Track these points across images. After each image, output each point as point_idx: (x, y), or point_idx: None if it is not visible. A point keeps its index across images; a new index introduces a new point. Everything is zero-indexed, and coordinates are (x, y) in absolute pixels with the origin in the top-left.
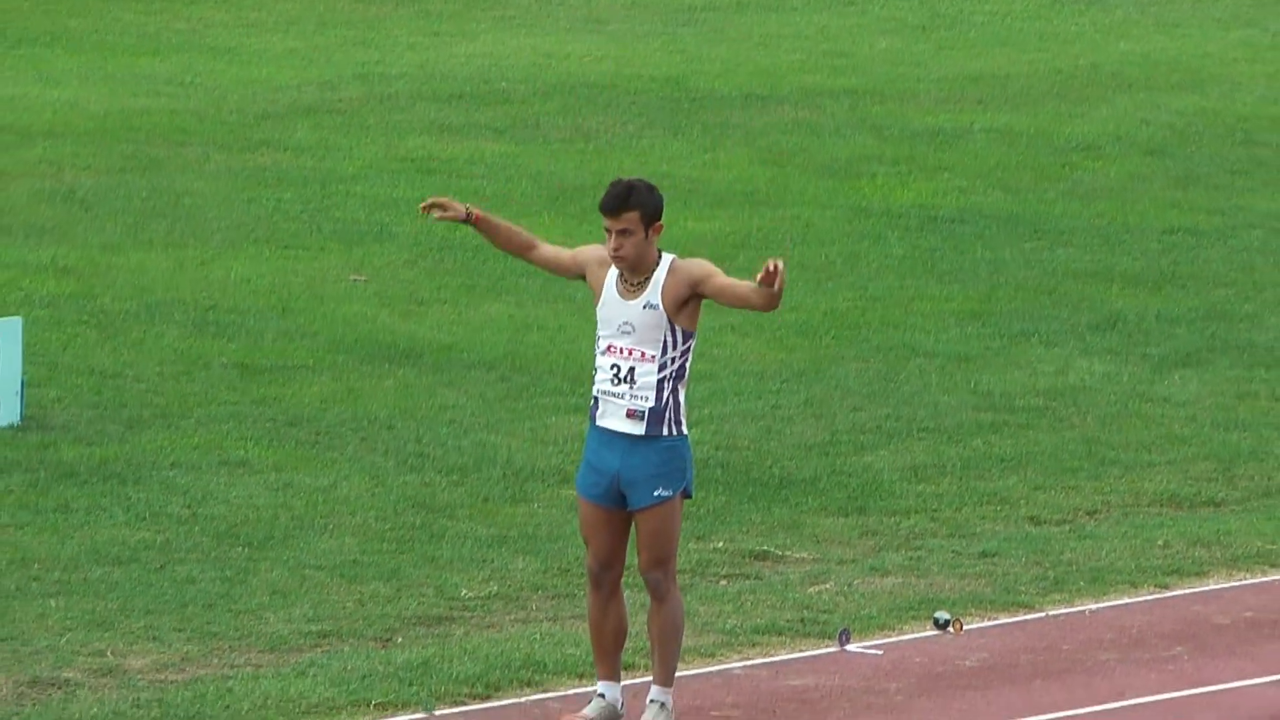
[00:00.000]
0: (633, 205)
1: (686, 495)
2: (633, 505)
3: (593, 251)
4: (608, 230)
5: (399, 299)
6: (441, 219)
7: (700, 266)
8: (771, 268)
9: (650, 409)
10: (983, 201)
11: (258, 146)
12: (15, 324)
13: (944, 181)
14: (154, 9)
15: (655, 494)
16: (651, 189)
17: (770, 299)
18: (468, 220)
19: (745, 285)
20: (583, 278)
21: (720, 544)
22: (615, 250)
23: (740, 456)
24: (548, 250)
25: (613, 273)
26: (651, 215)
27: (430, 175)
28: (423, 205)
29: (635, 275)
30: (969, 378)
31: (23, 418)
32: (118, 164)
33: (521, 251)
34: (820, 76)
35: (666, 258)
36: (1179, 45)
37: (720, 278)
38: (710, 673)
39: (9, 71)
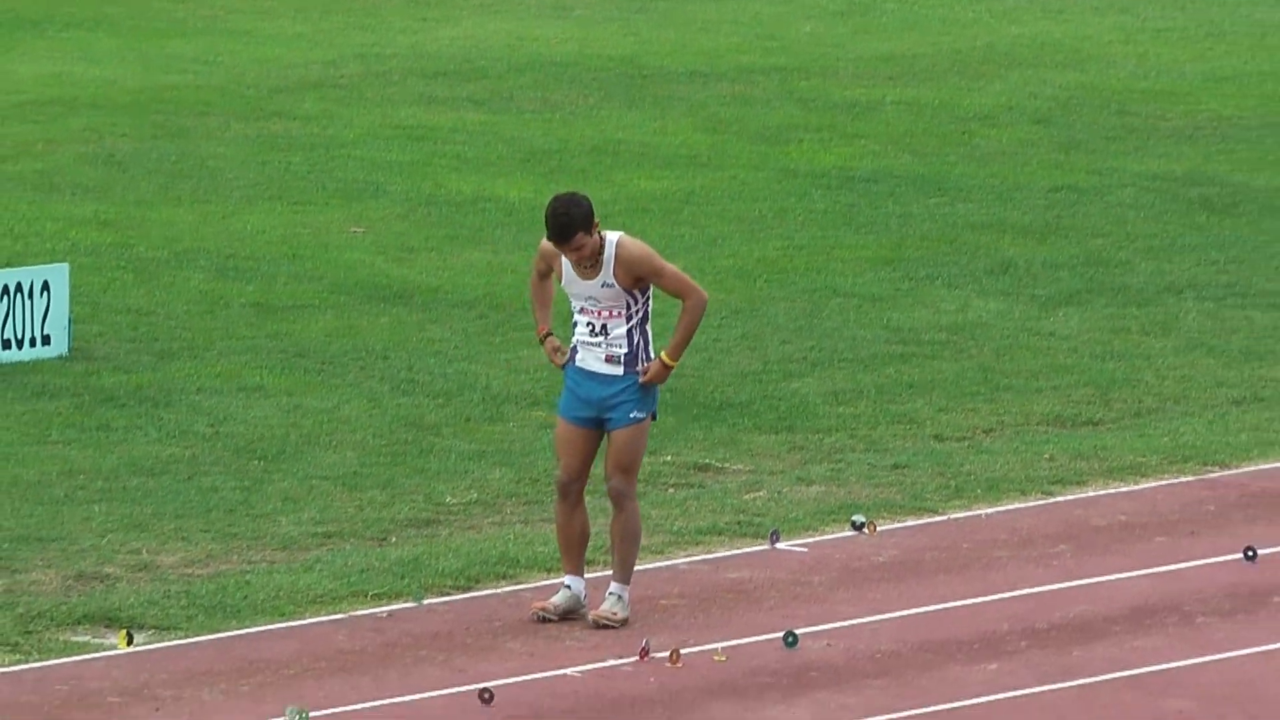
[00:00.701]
0: (576, 228)
1: (653, 418)
2: (611, 426)
3: (546, 246)
4: (563, 249)
5: (392, 247)
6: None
7: (647, 264)
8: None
9: (624, 354)
10: (893, 164)
11: (270, 116)
12: (63, 269)
13: (860, 146)
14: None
15: (631, 415)
16: (579, 205)
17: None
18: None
19: (676, 286)
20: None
21: (669, 458)
22: (577, 262)
23: (686, 383)
24: (549, 281)
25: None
26: (588, 222)
27: (419, 141)
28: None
29: (587, 261)
30: (882, 315)
31: (70, 350)
32: (150, 132)
33: (552, 302)
34: (753, 56)
35: (610, 239)
36: (1062, 29)
37: (666, 281)
38: (660, 567)
39: (57, 52)
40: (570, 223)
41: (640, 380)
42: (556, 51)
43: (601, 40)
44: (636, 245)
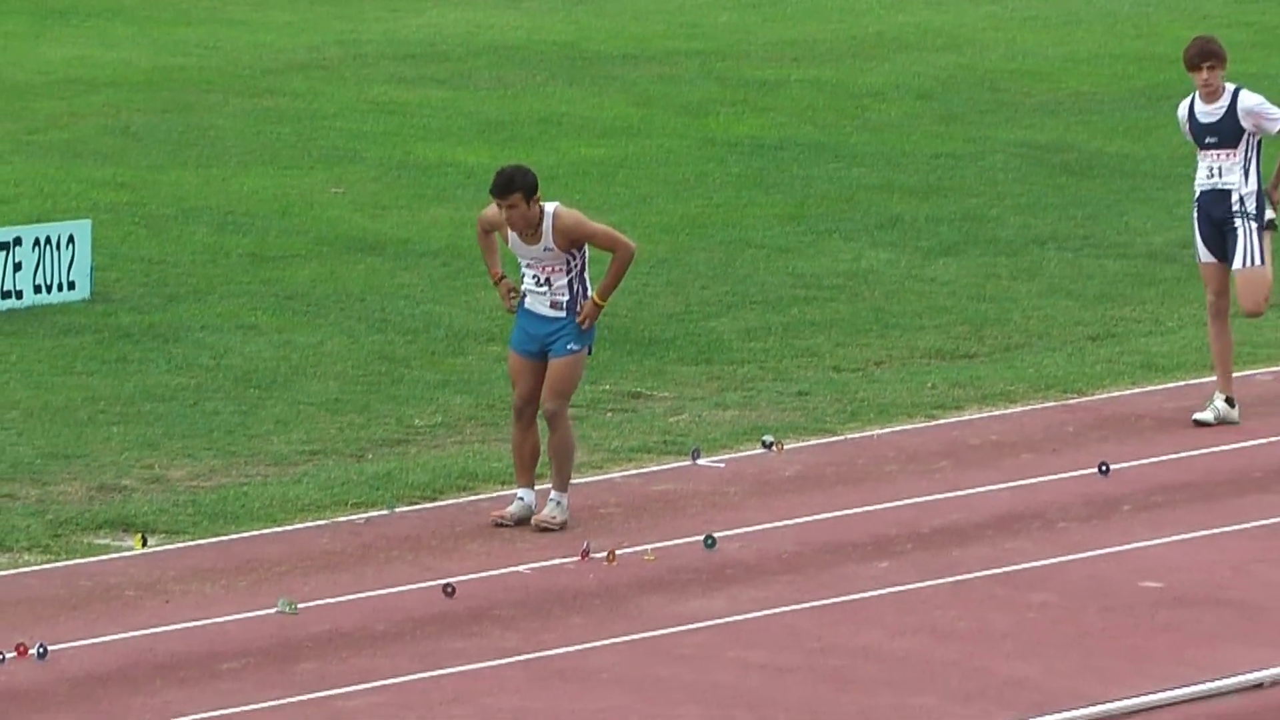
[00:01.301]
0: (515, 189)
1: (589, 352)
2: (552, 355)
3: (491, 212)
4: (499, 205)
5: (368, 205)
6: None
7: (579, 229)
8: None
9: (566, 300)
10: (798, 133)
11: (264, 93)
12: (86, 225)
13: (769, 119)
14: None
15: (568, 348)
16: (526, 172)
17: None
18: (500, 281)
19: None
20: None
21: (606, 386)
22: (507, 220)
23: (620, 322)
24: (493, 236)
25: None
26: (529, 191)
27: (391, 115)
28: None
29: (528, 229)
30: (788, 264)
31: (92, 294)
32: (161, 106)
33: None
34: (678, 41)
35: (548, 209)
36: (942, 17)
37: (598, 239)
38: (598, 480)
39: (80, 38)
40: (511, 182)
41: (578, 321)
42: (508, 37)
43: (547, 27)
44: (569, 214)
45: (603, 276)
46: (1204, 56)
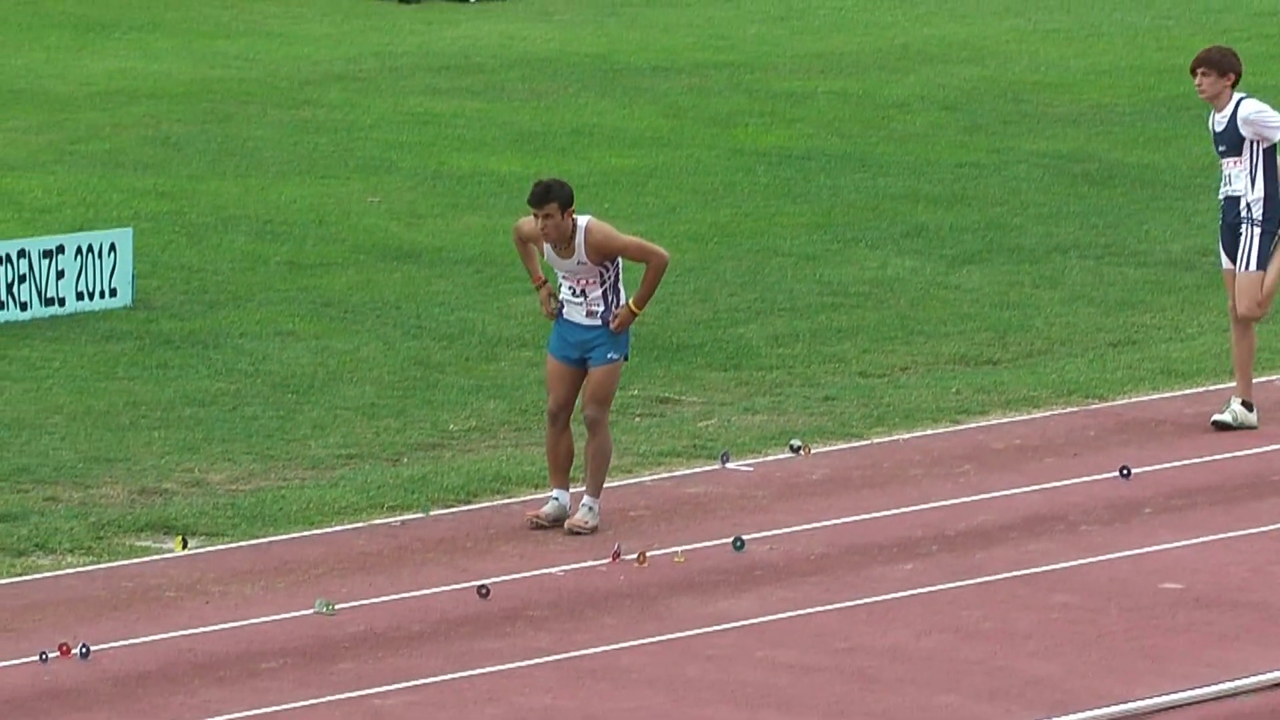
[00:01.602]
0: (552, 198)
1: (626, 359)
2: (591, 364)
3: (527, 223)
4: (535, 215)
5: (403, 214)
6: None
7: (611, 244)
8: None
9: (602, 310)
10: (825, 144)
11: (301, 104)
12: (128, 233)
13: (797, 129)
14: (227, 6)
15: (607, 356)
16: (563, 185)
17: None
18: (541, 286)
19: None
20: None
21: (635, 391)
22: (542, 230)
23: (649, 329)
24: (529, 244)
25: None
26: (565, 203)
27: (426, 125)
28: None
29: (561, 242)
30: (815, 271)
31: (134, 301)
32: (200, 117)
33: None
34: (707, 53)
35: (581, 222)
36: (967, 30)
37: (630, 252)
38: (629, 484)
39: (122, 50)
40: (548, 192)
41: (611, 326)
42: (541, 49)
43: (579, 40)
44: (600, 229)
45: (638, 286)
46: (1197, 63)
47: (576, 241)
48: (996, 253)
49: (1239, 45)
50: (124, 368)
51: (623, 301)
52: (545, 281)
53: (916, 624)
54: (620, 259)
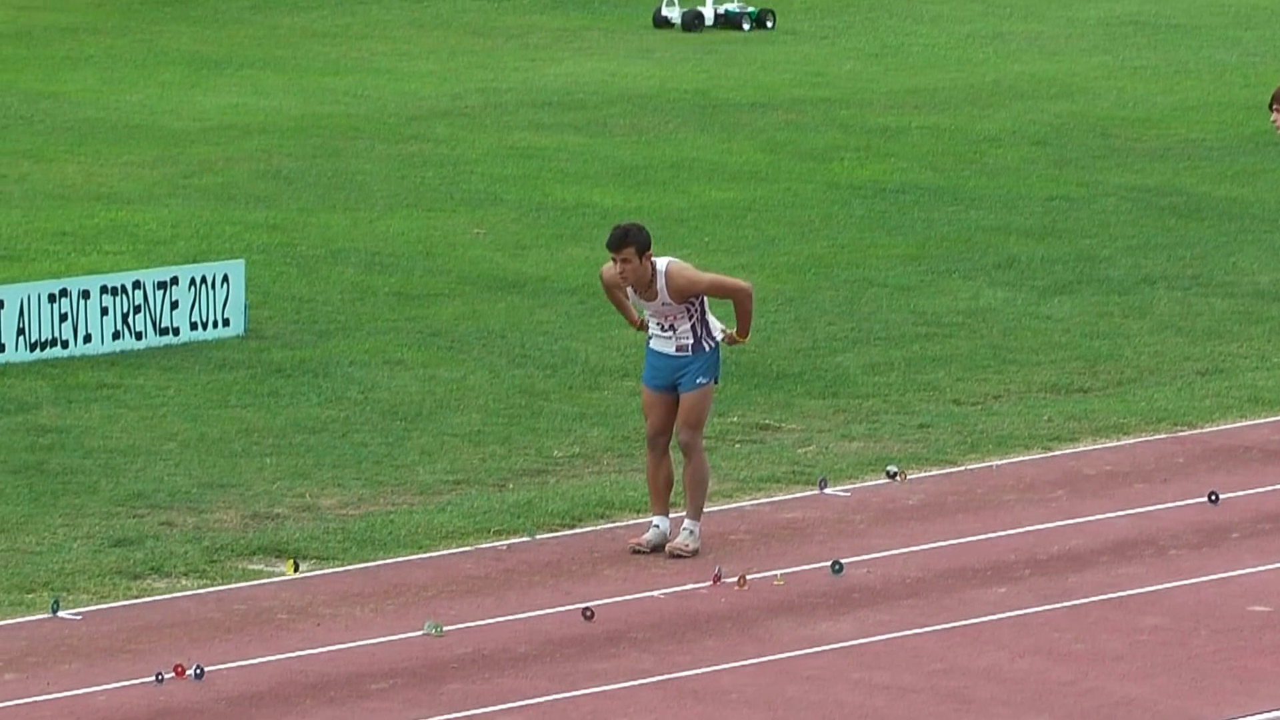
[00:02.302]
0: (629, 243)
1: (715, 383)
2: (682, 389)
3: (609, 269)
4: (614, 259)
5: (508, 245)
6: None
7: (690, 286)
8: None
9: (691, 343)
10: (918, 178)
11: (408, 139)
12: (240, 265)
13: (891, 164)
14: (337, 43)
15: (698, 381)
16: (640, 230)
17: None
18: (642, 326)
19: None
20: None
21: (735, 418)
22: (621, 274)
23: (749, 358)
24: (618, 293)
25: None
26: (643, 247)
27: (530, 159)
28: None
29: (641, 285)
30: (909, 302)
31: (246, 330)
32: (310, 152)
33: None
34: (804, 90)
35: (660, 265)
36: (1056, 67)
37: (711, 291)
38: (729, 509)
39: (235, 87)
40: (626, 236)
41: (725, 340)
42: (642, 86)
43: (679, 77)
44: (679, 272)
45: (738, 322)
46: (1276, 99)
47: (658, 285)
48: (1086, 284)
49: None
50: (237, 396)
51: (712, 331)
52: (644, 324)
53: (1010, 646)
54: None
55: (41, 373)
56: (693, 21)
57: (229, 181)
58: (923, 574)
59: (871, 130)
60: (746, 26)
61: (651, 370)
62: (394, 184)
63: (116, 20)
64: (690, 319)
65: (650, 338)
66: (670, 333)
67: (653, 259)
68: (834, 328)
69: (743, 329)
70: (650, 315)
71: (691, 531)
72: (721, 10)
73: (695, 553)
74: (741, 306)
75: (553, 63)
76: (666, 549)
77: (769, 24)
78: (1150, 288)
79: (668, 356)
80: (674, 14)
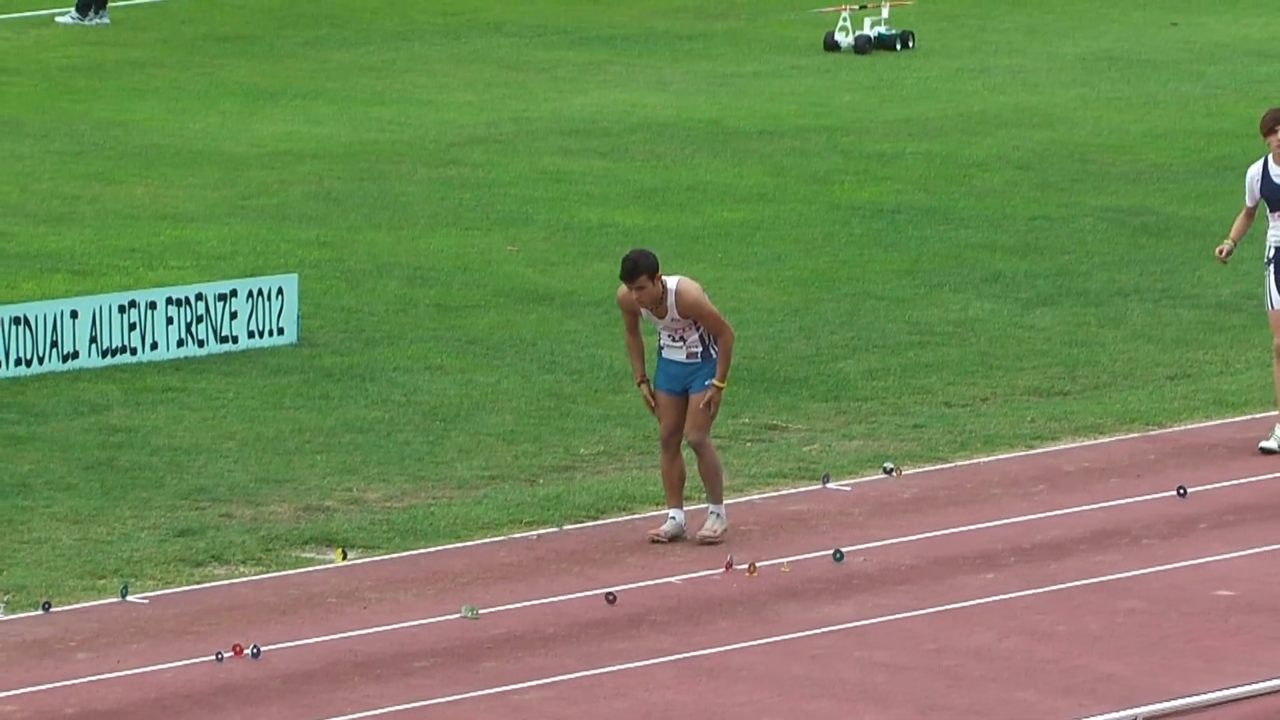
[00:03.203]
0: (641, 271)
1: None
2: (693, 391)
3: (623, 295)
4: (629, 287)
5: (539, 261)
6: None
7: (697, 308)
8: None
9: (700, 350)
10: (912, 199)
11: (448, 164)
12: (293, 278)
13: (888, 186)
14: (382, 76)
15: (706, 383)
16: (648, 257)
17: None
18: (641, 384)
19: (715, 325)
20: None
21: (746, 420)
22: (637, 300)
23: (758, 363)
24: (639, 334)
25: None
26: (652, 271)
27: (558, 183)
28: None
29: (653, 304)
30: (904, 313)
31: (299, 339)
32: (358, 175)
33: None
34: (808, 119)
35: (671, 284)
36: (1038, 98)
37: (708, 321)
38: (740, 502)
39: (288, 116)
40: (636, 266)
41: (708, 411)
42: (660, 115)
43: (694, 107)
44: (689, 292)
45: (718, 362)
46: (1276, 122)
47: (668, 302)
48: (1066, 296)
49: None
50: (290, 398)
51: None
52: (646, 380)
53: (997, 627)
54: None
55: (112, 377)
56: (864, 45)
57: (283, 202)
58: (917, 561)
59: (870, 156)
60: (897, 47)
61: (664, 375)
62: (434, 205)
63: (181, 55)
64: (698, 330)
65: (662, 348)
66: (681, 343)
67: (663, 279)
68: (836, 336)
69: (723, 374)
70: (662, 329)
71: (718, 515)
72: (874, 34)
73: (724, 533)
74: (725, 347)
75: (579, 94)
76: (698, 537)
77: (910, 44)
78: (1124, 300)
79: (679, 363)
80: (845, 39)
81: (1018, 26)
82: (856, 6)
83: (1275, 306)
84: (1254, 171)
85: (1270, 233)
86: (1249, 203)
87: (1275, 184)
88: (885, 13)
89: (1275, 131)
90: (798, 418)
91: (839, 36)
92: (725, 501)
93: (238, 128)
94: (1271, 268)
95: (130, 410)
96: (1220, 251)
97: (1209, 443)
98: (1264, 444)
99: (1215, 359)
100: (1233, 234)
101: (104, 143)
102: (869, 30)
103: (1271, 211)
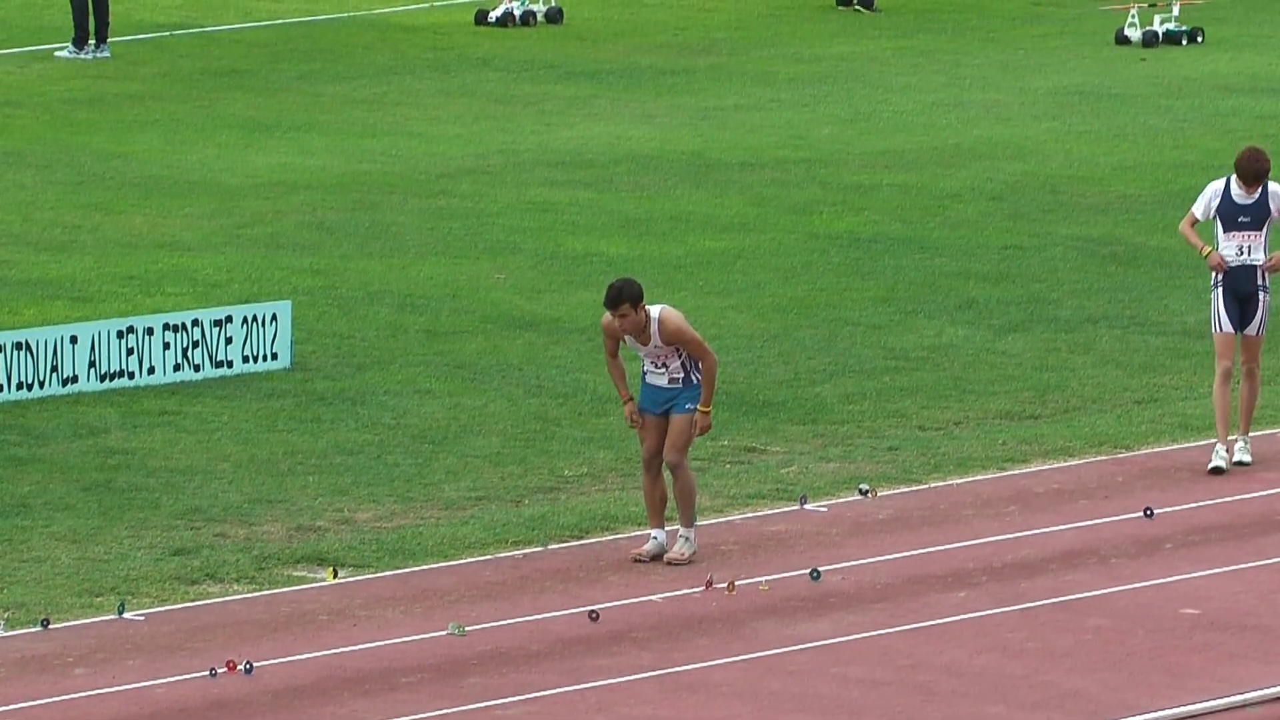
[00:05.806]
0: (624, 299)
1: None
2: (673, 412)
3: (607, 323)
4: (612, 315)
5: (525, 289)
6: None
7: (679, 335)
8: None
9: (681, 377)
10: (889, 229)
11: (437, 195)
12: (287, 305)
13: (865, 216)
14: (374, 109)
15: (685, 406)
16: (632, 286)
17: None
18: (627, 403)
19: (699, 351)
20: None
21: (725, 442)
22: (620, 327)
23: (737, 387)
24: (619, 359)
25: None
26: (635, 300)
27: (544, 213)
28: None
29: (636, 331)
30: (880, 339)
31: (292, 364)
32: (350, 205)
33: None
34: (787, 151)
35: (654, 313)
36: (1011, 131)
37: (691, 347)
38: (719, 522)
39: (283, 147)
40: (620, 294)
41: (697, 434)
42: (644, 147)
43: (677, 139)
44: (671, 321)
45: (701, 387)
46: (1258, 177)
47: (651, 330)
48: (1037, 323)
49: (1242, 145)
50: (283, 421)
51: (698, 367)
52: (631, 399)
53: (969, 644)
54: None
55: (110, 401)
56: (1152, 39)
57: (278, 231)
58: (892, 580)
59: (847, 187)
60: (1184, 43)
61: (647, 399)
62: (424, 234)
63: (179, 89)
64: (680, 357)
65: (645, 374)
66: (663, 369)
67: (646, 308)
68: (813, 362)
69: (707, 398)
70: (644, 356)
71: (687, 539)
72: (1162, 30)
73: (693, 555)
74: (709, 373)
75: (565, 127)
76: (665, 558)
77: (1199, 39)
78: (1093, 326)
79: (661, 388)
80: (1135, 34)
81: (991, 62)
82: (1146, 4)
83: (1223, 329)
84: (1216, 186)
85: (1235, 255)
86: (1199, 215)
87: (1235, 204)
88: (1175, 10)
89: (1255, 186)
90: (776, 440)
91: (1129, 31)
92: (705, 521)
93: (234, 159)
94: (1218, 290)
95: (128, 433)
96: (1214, 258)
97: (1174, 465)
98: (1212, 464)
99: (1180, 384)
100: (1200, 244)
101: (104, 173)
102: (1157, 26)
103: (1224, 231)
